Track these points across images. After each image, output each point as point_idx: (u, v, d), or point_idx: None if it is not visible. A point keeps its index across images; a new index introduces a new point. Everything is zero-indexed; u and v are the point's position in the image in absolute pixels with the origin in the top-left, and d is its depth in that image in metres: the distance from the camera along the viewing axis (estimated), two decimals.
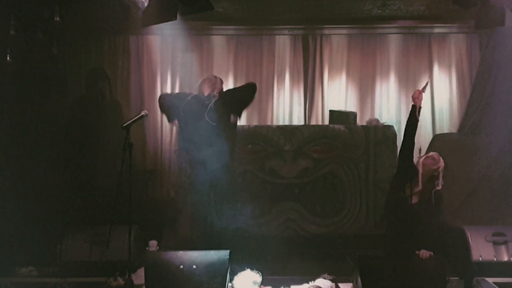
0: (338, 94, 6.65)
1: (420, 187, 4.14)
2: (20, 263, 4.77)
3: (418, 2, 6.01)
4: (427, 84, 4.38)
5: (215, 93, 4.55)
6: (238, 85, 6.08)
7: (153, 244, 5.00)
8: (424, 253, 3.94)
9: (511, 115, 5.46)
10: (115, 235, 4.41)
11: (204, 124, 4.41)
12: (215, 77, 4.75)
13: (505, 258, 4.47)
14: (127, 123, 3.98)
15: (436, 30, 6.59)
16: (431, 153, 4.25)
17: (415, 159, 4.27)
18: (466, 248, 4.50)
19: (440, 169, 4.11)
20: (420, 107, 4.24)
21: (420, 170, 4.12)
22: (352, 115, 5.90)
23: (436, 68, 6.59)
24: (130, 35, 6.53)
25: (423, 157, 4.23)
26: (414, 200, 4.16)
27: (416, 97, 4.24)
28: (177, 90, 6.59)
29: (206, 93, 4.56)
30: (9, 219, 4.83)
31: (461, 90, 6.53)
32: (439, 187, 4.10)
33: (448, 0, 5.43)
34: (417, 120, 4.25)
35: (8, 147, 5.09)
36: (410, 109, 4.28)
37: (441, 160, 4.15)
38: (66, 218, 5.20)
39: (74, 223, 5.07)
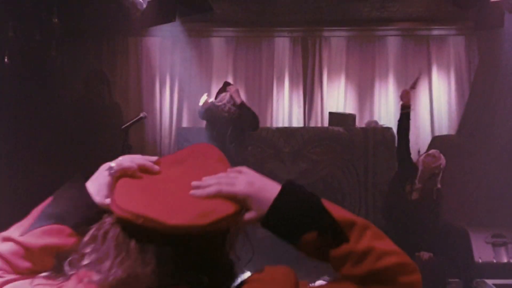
0: (337, 96, 6.65)
1: (420, 185, 4.12)
2: None
3: (417, 4, 6.02)
4: (416, 80, 4.36)
5: (234, 112, 4.38)
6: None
7: None
8: (423, 255, 3.93)
9: (510, 116, 5.45)
10: None
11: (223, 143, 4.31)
12: (237, 90, 4.48)
13: (505, 260, 4.46)
14: (125, 125, 3.97)
15: (435, 32, 6.59)
16: (431, 151, 4.21)
17: (415, 158, 4.25)
18: (467, 249, 4.48)
19: (442, 166, 4.08)
20: (409, 106, 4.22)
21: (420, 168, 4.09)
22: (351, 117, 5.89)
23: (435, 70, 6.59)
24: (129, 37, 6.53)
25: (424, 155, 4.21)
26: (415, 197, 4.15)
27: (404, 96, 4.24)
28: (176, 93, 6.59)
29: (227, 107, 4.38)
30: (7, 220, 4.80)
31: (460, 91, 6.53)
32: (439, 186, 4.08)
33: (447, 1, 5.43)
34: (408, 119, 4.24)
35: (5, 148, 5.07)
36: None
37: (442, 157, 4.11)
38: None
39: None
